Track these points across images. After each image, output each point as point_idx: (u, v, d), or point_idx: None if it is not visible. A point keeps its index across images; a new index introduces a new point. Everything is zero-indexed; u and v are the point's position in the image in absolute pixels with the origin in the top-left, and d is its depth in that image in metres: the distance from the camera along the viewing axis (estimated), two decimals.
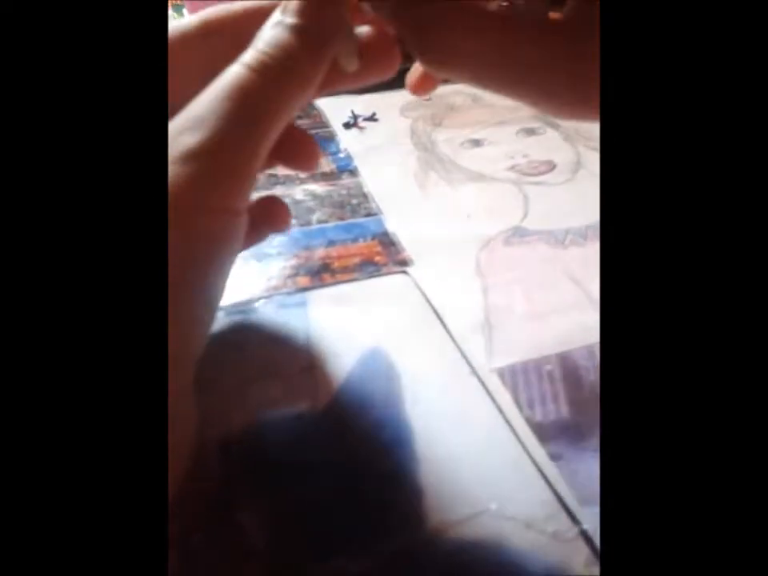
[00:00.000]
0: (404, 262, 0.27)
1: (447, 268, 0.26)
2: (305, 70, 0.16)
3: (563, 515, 0.17)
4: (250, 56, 0.15)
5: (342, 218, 0.30)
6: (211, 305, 0.16)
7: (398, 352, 0.22)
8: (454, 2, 0.16)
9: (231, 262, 0.16)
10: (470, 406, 0.20)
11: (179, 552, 0.16)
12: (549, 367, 0.21)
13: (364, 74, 0.18)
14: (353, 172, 0.34)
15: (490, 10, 0.16)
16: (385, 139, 0.38)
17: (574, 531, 0.16)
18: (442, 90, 0.45)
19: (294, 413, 0.20)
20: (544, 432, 0.19)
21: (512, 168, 0.34)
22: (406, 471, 0.18)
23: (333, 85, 0.18)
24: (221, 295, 0.16)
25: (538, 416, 0.20)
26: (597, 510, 0.17)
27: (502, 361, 0.21)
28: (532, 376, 0.21)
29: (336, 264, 0.27)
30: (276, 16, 0.16)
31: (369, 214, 0.31)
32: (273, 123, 0.15)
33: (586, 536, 0.16)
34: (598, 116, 0.14)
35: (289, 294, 0.25)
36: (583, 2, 0.15)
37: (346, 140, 0.38)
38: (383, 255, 0.28)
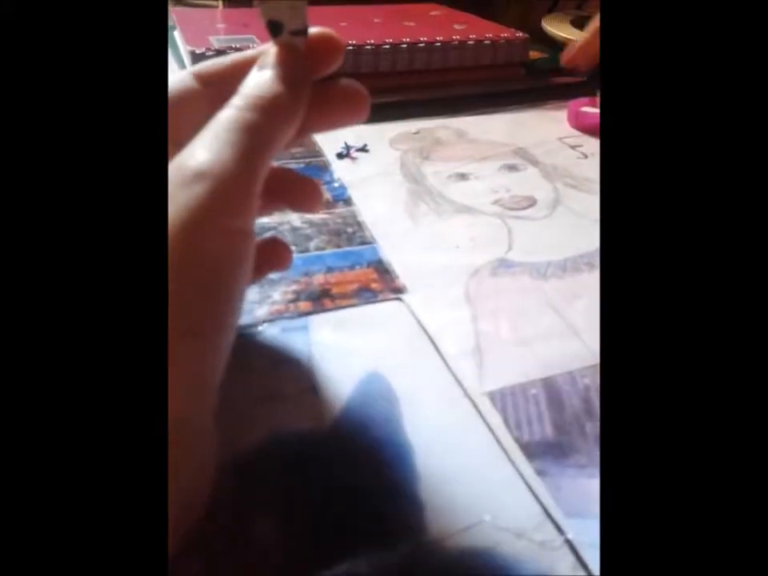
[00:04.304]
0: (398, 290, 0.29)
1: (439, 296, 0.28)
2: (288, 107, 0.18)
3: (550, 526, 0.19)
4: (239, 100, 0.17)
5: (338, 246, 0.32)
6: (231, 329, 0.17)
7: (395, 375, 0.24)
8: None
9: (246, 288, 0.18)
10: (464, 427, 0.22)
11: (199, 564, 0.17)
12: (534, 391, 0.23)
13: (336, 119, 0.21)
14: (347, 201, 0.36)
15: None
16: (376, 170, 0.40)
17: (559, 540, 0.18)
18: (428, 124, 0.47)
19: (301, 432, 0.21)
20: (531, 451, 0.21)
21: (496, 202, 0.36)
22: (407, 487, 0.20)
23: (312, 127, 0.21)
24: (237, 320, 0.18)
25: (525, 436, 0.22)
26: (580, 521, 0.19)
27: (492, 384, 0.23)
28: (519, 399, 0.23)
29: (335, 290, 0.29)
30: (255, 69, 0.19)
31: (363, 242, 0.33)
32: (268, 153, 0.17)
33: (570, 545, 0.18)
34: None
35: (291, 318, 0.27)
36: None
37: (340, 170, 0.40)
38: (379, 282, 0.29)
